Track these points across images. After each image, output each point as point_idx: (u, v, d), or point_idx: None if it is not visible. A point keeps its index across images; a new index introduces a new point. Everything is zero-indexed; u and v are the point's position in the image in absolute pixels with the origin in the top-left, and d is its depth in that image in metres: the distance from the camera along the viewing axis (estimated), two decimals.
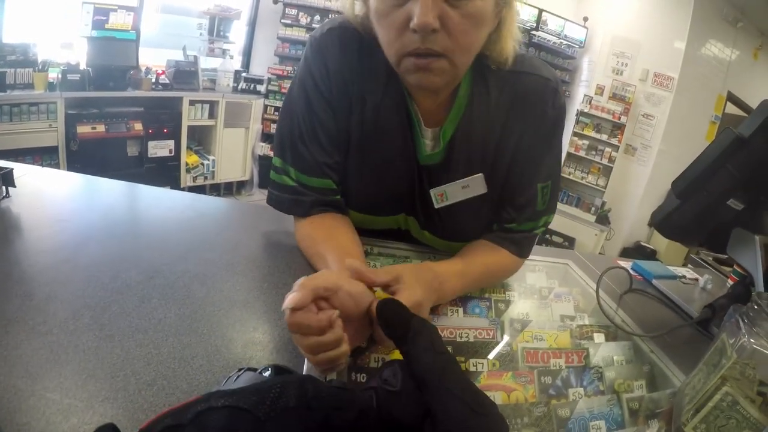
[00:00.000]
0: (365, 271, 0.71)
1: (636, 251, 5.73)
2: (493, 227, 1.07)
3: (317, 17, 5.51)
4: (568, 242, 5.65)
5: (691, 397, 0.78)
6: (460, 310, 0.98)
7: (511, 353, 0.89)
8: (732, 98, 6.32)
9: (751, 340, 0.71)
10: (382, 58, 0.87)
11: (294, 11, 5.49)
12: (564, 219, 5.86)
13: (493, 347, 0.91)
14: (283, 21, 5.49)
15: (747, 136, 1.16)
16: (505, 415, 0.72)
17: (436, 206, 1.01)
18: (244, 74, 5.32)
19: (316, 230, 0.96)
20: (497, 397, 0.78)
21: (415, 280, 0.76)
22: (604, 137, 5.92)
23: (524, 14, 5.99)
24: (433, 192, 1.00)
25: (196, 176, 4.79)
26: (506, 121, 0.97)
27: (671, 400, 0.88)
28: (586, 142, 6.00)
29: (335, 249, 0.88)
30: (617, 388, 0.90)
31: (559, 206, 5.64)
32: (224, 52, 5.30)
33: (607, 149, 5.94)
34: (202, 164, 4.83)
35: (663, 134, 5.80)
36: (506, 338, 0.94)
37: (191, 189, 4.74)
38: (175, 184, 4.55)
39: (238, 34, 5.63)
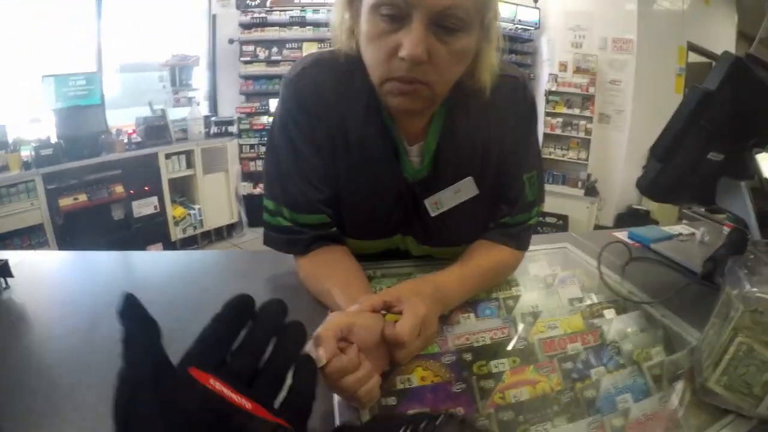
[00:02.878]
0: (365, 303, 0.73)
1: (630, 215, 5.75)
2: (490, 225, 1.09)
3: (275, 49, 5.58)
4: (562, 221, 5.70)
5: (709, 353, 0.80)
6: (472, 315, 0.99)
7: (529, 347, 0.91)
8: (692, 47, 6.41)
9: (754, 288, 0.72)
10: (359, 87, 0.92)
11: (251, 47, 5.54)
12: (554, 198, 5.91)
13: (511, 344, 0.92)
14: (242, 59, 5.54)
15: (713, 89, 1.19)
16: (535, 407, 0.76)
17: (432, 215, 1.04)
18: (213, 118, 5.32)
19: (318, 267, 0.98)
20: (524, 393, 0.79)
21: (415, 295, 0.78)
22: (577, 111, 5.99)
23: None
24: (427, 202, 1.03)
25: (185, 227, 4.78)
26: (485, 124, 1.00)
27: (690, 359, 0.90)
28: (560, 119, 6.06)
29: (340, 284, 0.90)
30: (636, 358, 0.91)
31: (547, 186, 5.63)
32: (190, 100, 5.32)
33: (582, 122, 6.00)
34: (189, 214, 4.82)
35: (633, 96, 5.88)
36: (521, 333, 0.96)
37: (182, 241, 4.75)
38: (166, 240, 4.55)
39: (200, 80, 5.65)
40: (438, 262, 1.12)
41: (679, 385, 0.86)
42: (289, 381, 0.47)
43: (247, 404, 0.41)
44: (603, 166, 6.06)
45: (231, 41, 5.58)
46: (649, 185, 1.38)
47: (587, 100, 5.96)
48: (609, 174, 6.03)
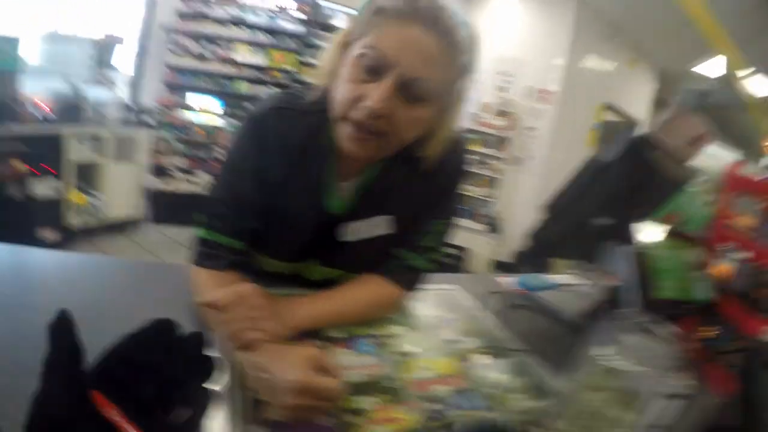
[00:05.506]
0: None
1: (530, 255, 6.02)
2: (387, 262, 1.17)
3: (207, 44, 5.51)
4: (462, 252, 5.94)
5: (566, 403, 0.92)
6: (347, 351, 1.04)
7: (398, 386, 0.96)
8: (610, 107, 6.86)
9: (606, 353, 0.87)
10: (312, 132, 1.03)
11: (184, 39, 5.44)
12: (458, 231, 6.10)
13: (381, 382, 0.97)
14: (171, 49, 5.41)
15: (609, 161, 1.36)
16: None
17: (346, 239, 1.13)
18: (132, 105, 5.15)
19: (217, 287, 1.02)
20: (386, 430, 0.84)
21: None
22: (491, 151, 6.28)
23: None
24: (343, 227, 1.12)
25: (84, 217, 4.56)
26: (412, 172, 1.09)
27: (550, 407, 0.98)
28: (475, 156, 6.32)
29: None
30: (502, 404, 0.99)
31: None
32: (111, 82, 5.11)
33: (494, 162, 6.31)
34: (90, 203, 4.60)
35: (548, 144, 6.25)
36: (394, 372, 1.00)
37: (80, 231, 4.55)
38: (62, 226, 4.34)
39: (125, 62, 5.45)
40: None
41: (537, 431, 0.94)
42: (189, 413, 0.49)
43: None
44: (510, 205, 6.38)
45: (165, 29, 5.44)
46: (538, 239, 1.55)
47: (503, 142, 6.26)
48: (515, 213, 6.32)
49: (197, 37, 5.51)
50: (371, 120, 0.88)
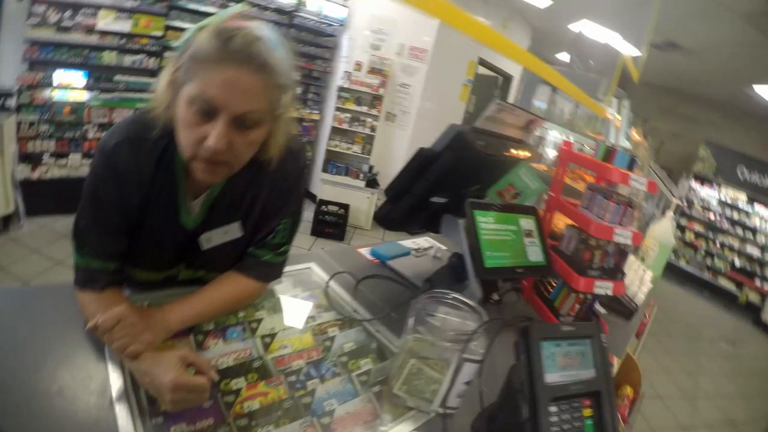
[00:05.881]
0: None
1: None
2: (243, 260, 1.34)
3: (68, 13, 4.92)
4: (344, 209, 6.17)
5: (397, 366, 1.09)
6: (220, 340, 1.19)
7: (264, 364, 1.12)
8: (483, 63, 7.39)
9: (417, 328, 1.06)
10: (160, 156, 1.14)
11: (41, 8, 4.76)
12: (337, 188, 6.39)
13: (250, 364, 1.12)
14: (29, 22, 4.73)
15: (437, 151, 1.54)
16: (262, 414, 0.98)
17: (203, 248, 1.27)
18: None
19: (102, 308, 1.06)
20: (256, 403, 1.01)
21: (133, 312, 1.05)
22: (365, 109, 6.44)
23: None
24: (200, 238, 1.27)
25: None
26: (257, 179, 1.26)
27: (389, 368, 1.16)
28: (348, 115, 6.48)
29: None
30: (350, 368, 1.17)
31: (331, 177, 6.31)
32: None
33: (369, 119, 6.49)
34: None
35: (420, 100, 6.54)
36: (259, 353, 1.16)
37: None
38: None
39: None
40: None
41: (378, 389, 1.13)
42: None
43: None
44: (386, 160, 6.65)
45: None
46: (382, 218, 1.73)
47: (376, 99, 6.44)
48: (391, 168, 6.58)
49: (57, 6, 4.91)
50: (216, 155, 1.02)
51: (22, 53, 4.83)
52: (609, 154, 1.70)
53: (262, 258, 1.34)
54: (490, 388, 1.11)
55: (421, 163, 1.58)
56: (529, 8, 7.15)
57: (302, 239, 5.86)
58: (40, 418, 0.89)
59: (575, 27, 6.90)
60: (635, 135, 6.21)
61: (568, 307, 1.72)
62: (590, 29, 6.37)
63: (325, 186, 6.45)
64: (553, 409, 0.93)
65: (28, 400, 0.91)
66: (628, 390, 1.63)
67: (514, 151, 1.81)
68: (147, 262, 1.29)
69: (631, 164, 1.69)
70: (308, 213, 6.23)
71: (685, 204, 9.89)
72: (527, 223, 1.67)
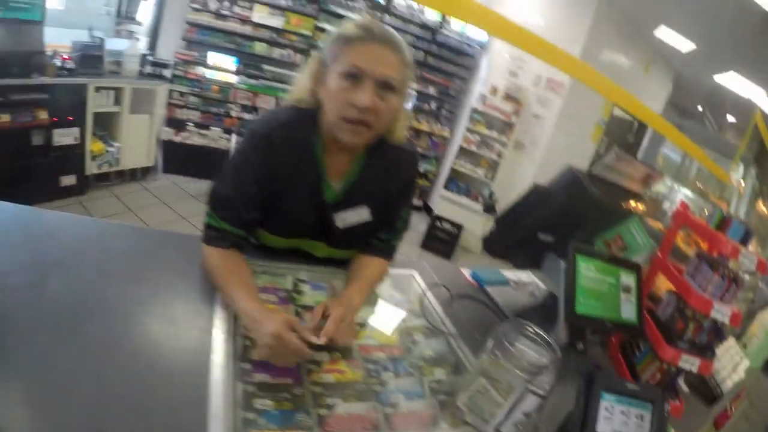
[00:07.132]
0: (316, 312, 1.21)
1: None
2: (371, 241, 1.55)
3: (226, 3, 5.56)
4: (457, 229, 6.09)
5: (466, 381, 1.17)
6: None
7: (349, 348, 1.24)
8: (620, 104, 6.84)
9: (495, 350, 1.12)
10: (306, 141, 1.36)
11: None
12: (454, 207, 6.38)
13: (337, 344, 1.21)
14: (191, 5, 5.46)
15: (551, 191, 1.59)
16: (335, 388, 1.10)
17: (338, 225, 1.45)
18: (150, 58, 5.22)
19: (224, 262, 1.30)
20: (331, 378, 1.13)
21: (336, 303, 1.22)
22: (495, 134, 6.38)
23: (429, 14, 6.39)
24: (336, 216, 1.44)
25: (101, 164, 4.77)
26: (386, 176, 1.48)
27: (459, 382, 1.22)
28: (478, 137, 6.45)
29: (239, 283, 1.23)
30: (424, 372, 1.26)
31: (449, 195, 6.27)
32: (131, 34, 5.18)
33: (497, 145, 6.42)
34: (108, 151, 4.81)
35: (551, 134, 6.31)
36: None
37: (96, 177, 4.78)
38: (80, 173, 4.56)
39: (145, 14, 5.51)
40: (308, 267, 1.51)
41: (443, 398, 1.19)
42: None
43: None
44: (507, 189, 6.46)
45: None
46: (489, 245, 1.78)
47: (508, 126, 6.35)
48: (510, 196, 6.22)
49: None
50: (363, 115, 1.24)
51: (182, 32, 5.57)
52: (724, 222, 1.57)
53: (391, 242, 1.58)
54: (546, 429, 1.15)
55: (534, 199, 1.63)
56: (674, 52, 6.63)
57: (409, 248, 5.91)
58: (148, 337, 1.08)
59: (721, 78, 6.37)
60: (762, 207, 5.60)
61: (649, 374, 1.63)
62: (735, 82, 5.84)
63: (443, 202, 6.48)
64: None
65: (143, 320, 1.11)
66: None
67: (628, 203, 1.75)
68: (279, 227, 1.47)
69: (746, 237, 1.55)
70: (422, 225, 6.28)
71: None
72: (628, 278, 1.63)
